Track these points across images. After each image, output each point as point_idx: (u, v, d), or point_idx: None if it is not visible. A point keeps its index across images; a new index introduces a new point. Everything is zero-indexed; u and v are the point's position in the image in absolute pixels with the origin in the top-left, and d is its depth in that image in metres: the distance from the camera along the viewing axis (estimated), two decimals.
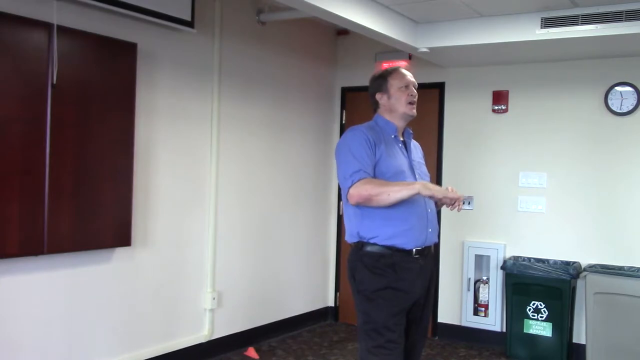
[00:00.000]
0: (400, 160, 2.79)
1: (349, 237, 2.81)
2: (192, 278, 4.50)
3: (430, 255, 2.85)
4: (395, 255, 2.68)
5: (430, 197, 2.62)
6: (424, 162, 3.00)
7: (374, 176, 2.68)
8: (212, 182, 4.61)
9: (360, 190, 2.60)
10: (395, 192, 2.58)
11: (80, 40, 3.56)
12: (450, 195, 2.59)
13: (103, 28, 3.73)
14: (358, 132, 2.75)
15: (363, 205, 2.68)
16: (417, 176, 2.81)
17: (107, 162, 3.71)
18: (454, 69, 5.50)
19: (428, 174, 2.97)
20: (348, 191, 2.65)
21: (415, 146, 2.99)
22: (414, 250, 2.71)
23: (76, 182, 3.54)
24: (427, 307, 2.88)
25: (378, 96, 2.87)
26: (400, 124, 2.86)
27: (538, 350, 4.83)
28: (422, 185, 2.59)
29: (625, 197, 4.85)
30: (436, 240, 2.87)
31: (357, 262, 2.74)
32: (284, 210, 5.38)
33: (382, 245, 2.68)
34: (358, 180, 2.62)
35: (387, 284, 2.67)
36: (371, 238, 2.70)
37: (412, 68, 5.51)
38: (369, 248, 2.70)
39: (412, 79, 2.86)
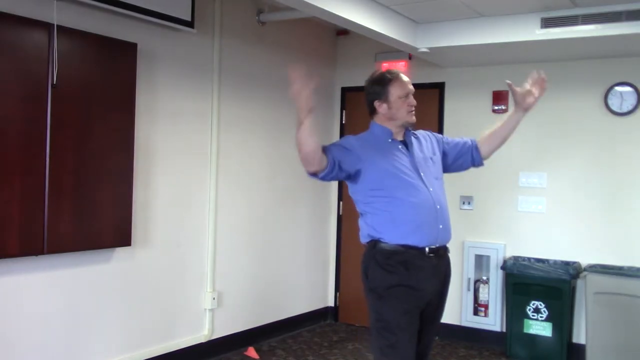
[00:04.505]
0: (400, 161, 2.78)
1: (362, 238, 2.84)
2: (192, 278, 4.50)
3: (445, 257, 2.83)
4: (407, 253, 2.68)
5: (307, 112, 2.52)
6: (433, 155, 2.92)
7: (366, 179, 2.75)
8: (212, 182, 4.61)
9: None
10: (299, 136, 2.56)
11: (80, 40, 3.56)
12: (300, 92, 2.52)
13: (103, 28, 3.73)
14: (344, 138, 2.93)
15: (368, 204, 2.77)
16: (422, 174, 2.79)
17: (107, 162, 3.71)
18: (454, 69, 5.50)
19: (440, 170, 2.92)
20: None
21: (424, 139, 2.95)
22: (427, 248, 2.71)
23: (76, 182, 3.54)
24: (440, 308, 2.88)
25: (377, 104, 2.84)
26: (397, 130, 2.85)
27: (538, 350, 4.82)
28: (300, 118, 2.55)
29: (625, 197, 4.85)
30: (449, 238, 2.83)
31: (370, 260, 2.74)
32: (284, 210, 5.38)
33: (394, 244, 2.69)
34: None
35: (398, 281, 2.67)
36: (382, 237, 2.71)
37: (412, 68, 5.56)
38: (382, 245, 2.71)
39: (411, 87, 2.85)
